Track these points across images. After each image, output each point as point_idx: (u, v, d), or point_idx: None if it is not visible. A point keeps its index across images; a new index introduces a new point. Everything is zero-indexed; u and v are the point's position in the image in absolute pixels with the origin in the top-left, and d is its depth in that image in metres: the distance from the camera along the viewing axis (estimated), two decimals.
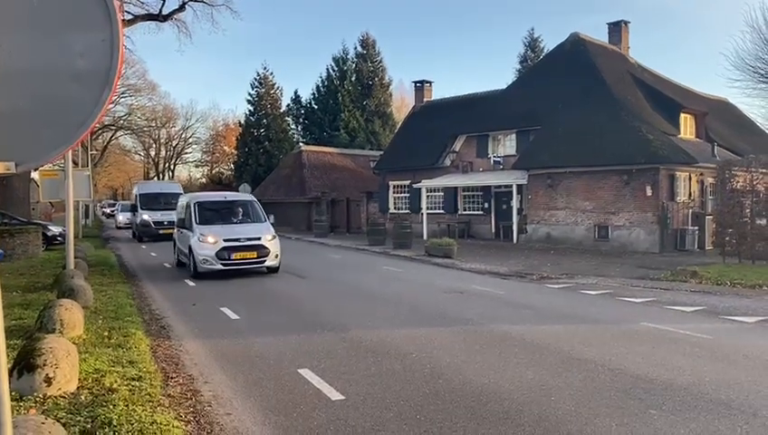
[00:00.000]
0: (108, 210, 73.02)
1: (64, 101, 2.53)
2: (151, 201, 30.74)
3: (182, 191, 30.79)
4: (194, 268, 15.67)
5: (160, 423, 5.19)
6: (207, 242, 15.41)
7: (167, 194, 31.52)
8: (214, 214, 16.82)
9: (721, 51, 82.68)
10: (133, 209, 31.81)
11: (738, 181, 18.57)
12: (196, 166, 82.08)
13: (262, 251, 15.74)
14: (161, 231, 28.73)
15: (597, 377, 6.87)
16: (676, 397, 6.16)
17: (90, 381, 6.27)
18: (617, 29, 30.56)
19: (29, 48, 2.51)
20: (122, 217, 43.90)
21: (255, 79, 56.55)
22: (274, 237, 16.25)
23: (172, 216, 25.84)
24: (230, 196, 18.71)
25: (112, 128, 62.09)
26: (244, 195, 18.13)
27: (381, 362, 7.60)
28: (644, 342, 8.59)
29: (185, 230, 16.92)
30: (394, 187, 35.25)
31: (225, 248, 15.33)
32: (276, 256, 16.07)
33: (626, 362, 7.48)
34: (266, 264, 15.91)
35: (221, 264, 15.28)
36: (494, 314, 10.75)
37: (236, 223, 16.74)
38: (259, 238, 15.83)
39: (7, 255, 18.05)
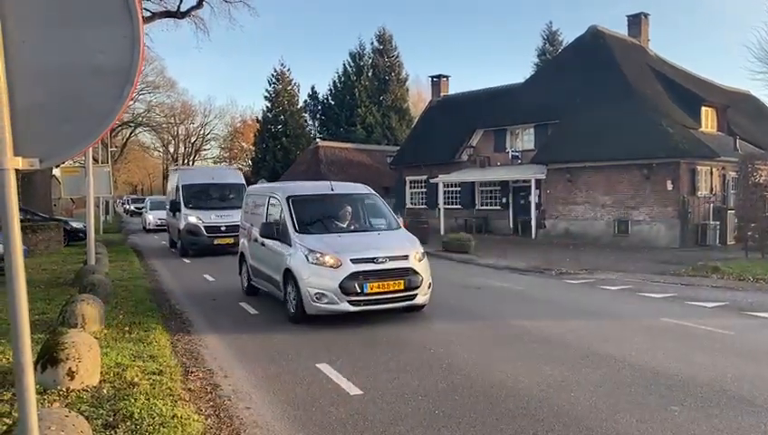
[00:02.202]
0: (132, 207, 60.21)
1: (87, 98, 2.56)
2: (200, 196, 21.03)
3: (243, 181, 22.43)
4: (297, 307, 9.52)
5: (181, 417, 5.25)
6: (326, 265, 9.28)
7: (223, 186, 21.62)
8: (320, 217, 10.66)
9: (743, 43, 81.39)
10: (173, 208, 21.55)
11: (761, 175, 18.31)
12: (215, 162, 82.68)
13: (411, 279, 9.53)
14: (216, 241, 19.64)
15: (617, 373, 6.81)
16: (697, 393, 6.09)
17: (111, 375, 6.35)
18: (636, 21, 30.20)
19: (52, 45, 2.54)
20: (153, 217, 34.00)
21: (272, 75, 56.86)
22: (424, 256, 10.10)
23: (234, 217, 18.24)
24: (339, 187, 11.72)
25: (131, 124, 62.76)
26: (357, 186, 12.14)
27: (399, 357, 7.61)
28: (665, 337, 8.51)
29: (271, 242, 10.63)
30: (411, 182, 35.21)
31: (354, 275, 9.15)
32: (429, 287, 9.97)
33: (646, 357, 7.41)
34: (417, 300, 9.72)
35: (348, 301, 9.14)
36: (513, 310, 10.70)
37: (358, 230, 10.60)
38: (406, 257, 9.63)
39: (30, 250, 18.32)
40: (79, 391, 5.78)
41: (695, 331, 8.91)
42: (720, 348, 7.92)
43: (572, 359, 7.39)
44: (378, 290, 9.32)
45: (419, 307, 10.08)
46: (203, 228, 19.91)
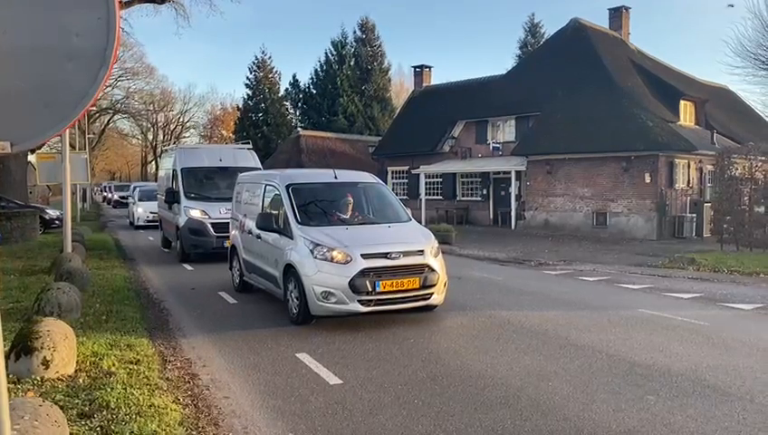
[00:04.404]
0: (114, 196, 51.16)
1: (60, 81, 2.50)
2: (205, 184, 17.01)
3: (259, 164, 18.05)
4: (300, 307, 8.68)
5: (158, 406, 5.20)
6: (334, 261, 8.46)
7: (234, 171, 15.89)
8: (324, 207, 9.86)
9: (722, 37, 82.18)
10: (169, 198, 16.99)
11: (737, 169, 18.58)
12: None
13: (428, 277, 8.77)
14: (227, 243, 13.57)
15: (594, 363, 6.89)
16: (673, 383, 6.17)
17: (87, 364, 6.28)
18: (617, 15, 30.42)
19: (24, 26, 2.47)
20: (143, 210, 27.34)
21: (253, 63, 56.36)
22: (439, 250, 9.48)
23: None
24: (344, 175, 10.70)
25: (110, 111, 61.90)
26: (363, 174, 11.30)
27: (379, 346, 7.62)
28: (641, 328, 8.61)
29: (269, 234, 9.79)
30: (392, 172, 35.20)
31: (366, 272, 8.35)
32: (445, 285, 9.24)
33: (623, 348, 7.50)
34: (433, 300, 8.98)
35: (359, 301, 8.34)
36: (492, 300, 10.76)
37: (366, 222, 9.80)
38: (421, 252, 8.91)
39: (4, 238, 18.01)
40: (54, 380, 5.70)
41: (671, 322, 9.03)
42: (695, 339, 8.04)
43: (551, 349, 7.45)
44: (391, 289, 8.47)
45: (433, 308, 9.29)
46: (209, 226, 15.69)
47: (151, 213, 24.93)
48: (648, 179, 22.95)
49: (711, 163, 23.09)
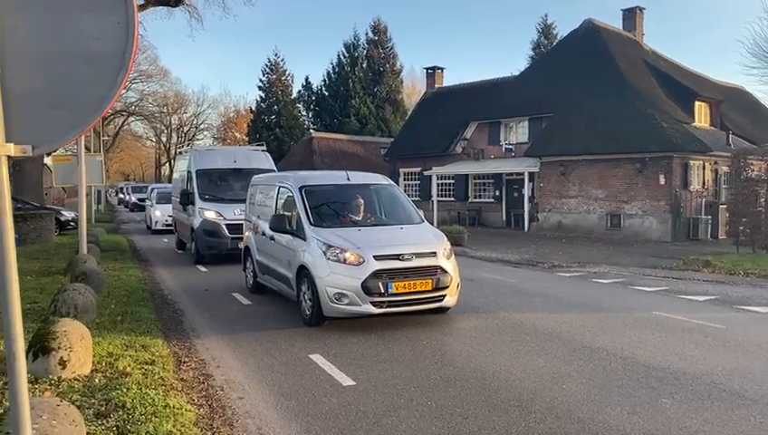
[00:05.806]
0: (132, 198, 48.70)
1: (80, 84, 2.53)
2: (220, 185, 17.00)
3: (273, 166, 18.02)
4: (313, 308, 8.71)
5: (173, 407, 5.24)
6: (347, 262, 8.48)
7: (248, 172, 15.75)
8: (336, 208, 9.91)
9: (738, 37, 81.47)
10: (184, 200, 16.96)
11: (753, 170, 18.39)
12: None
13: (440, 279, 8.76)
14: (242, 244, 12.89)
15: (609, 366, 6.85)
16: (688, 386, 6.13)
17: (103, 364, 6.34)
18: (631, 15, 30.24)
19: (44, 31, 2.51)
20: (161, 213, 25.99)
21: (266, 65, 56.57)
22: (452, 252, 9.44)
23: None
24: (356, 177, 10.71)
25: (124, 114, 62.32)
26: (375, 176, 11.28)
27: (392, 348, 7.62)
28: (656, 331, 8.55)
29: (282, 236, 9.87)
30: (404, 174, 35.19)
31: (378, 273, 8.37)
32: (458, 287, 9.21)
33: (638, 350, 7.45)
34: (446, 302, 8.97)
35: (372, 303, 8.34)
36: (505, 302, 10.73)
37: (379, 224, 9.81)
38: (433, 253, 8.90)
39: (21, 239, 18.21)
40: (70, 380, 5.76)
41: (686, 324, 8.95)
42: (711, 342, 7.97)
43: (565, 352, 7.42)
44: (403, 290, 8.47)
45: (446, 310, 9.32)
46: (224, 227, 15.65)
47: (169, 216, 23.50)
48: (662, 181, 22.78)
49: (726, 164, 22.87)
